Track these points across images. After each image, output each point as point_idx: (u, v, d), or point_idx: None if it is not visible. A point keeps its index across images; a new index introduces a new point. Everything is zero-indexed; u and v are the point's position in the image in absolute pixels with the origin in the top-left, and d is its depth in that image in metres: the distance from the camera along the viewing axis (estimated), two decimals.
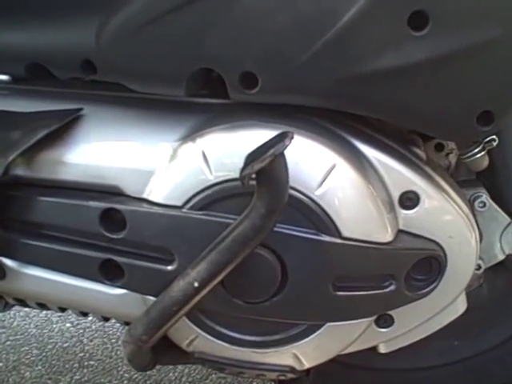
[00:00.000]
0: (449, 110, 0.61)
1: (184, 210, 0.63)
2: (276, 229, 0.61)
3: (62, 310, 0.79)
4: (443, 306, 0.71)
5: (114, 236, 0.64)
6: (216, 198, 0.62)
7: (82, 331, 1.32)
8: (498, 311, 0.92)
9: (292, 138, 0.53)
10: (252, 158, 0.54)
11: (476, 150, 0.70)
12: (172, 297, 0.61)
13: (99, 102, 0.69)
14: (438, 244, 0.66)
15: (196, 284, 0.59)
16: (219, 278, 0.60)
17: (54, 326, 1.35)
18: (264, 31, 0.58)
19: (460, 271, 0.68)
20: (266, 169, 0.52)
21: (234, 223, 0.59)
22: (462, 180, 0.82)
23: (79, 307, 0.75)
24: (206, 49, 0.59)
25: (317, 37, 0.57)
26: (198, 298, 0.61)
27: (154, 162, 0.65)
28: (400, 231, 0.66)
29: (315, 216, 0.62)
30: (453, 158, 0.82)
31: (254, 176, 0.54)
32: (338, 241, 0.62)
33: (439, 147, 0.77)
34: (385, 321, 0.70)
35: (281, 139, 0.52)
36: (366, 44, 0.58)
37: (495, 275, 0.91)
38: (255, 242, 0.58)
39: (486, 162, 0.71)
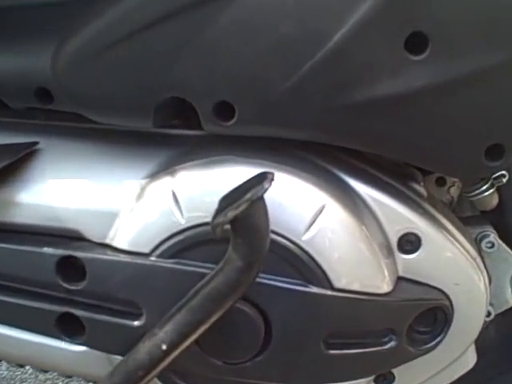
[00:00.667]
0: (452, 143, 0.54)
1: (152, 258, 0.57)
2: (258, 280, 0.55)
3: (21, 365, 0.70)
4: (450, 360, 0.64)
5: (73, 287, 0.58)
6: (188, 244, 0.56)
7: (56, 374, 1.22)
8: (508, 355, 0.83)
9: (272, 179, 0.45)
10: (226, 202, 0.47)
11: (484, 188, 0.63)
12: (137, 360, 0.54)
13: (57, 134, 0.63)
14: (443, 292, 0.60)
15: (164, 346, 0.52)
16: (191, 340, 0.52)
17: (28, 367, 1.25)
18: (241, 55, 0.52)
19: (468, 321, 0.62)
20: (242, 216, 0.44)
21: (206, 277, 0.51)
22: (466, 217, 0.74)
23: (37, 365, 0.67)
24: (175, 75, 0.53)
25: (302, 61, 0.51)
26: (166, 361, 0.53)
27: (118, 202, 0.59)
28: (400, 278, 0.60)
29: (302, 264, 0.56)
30: (455, 192, 0.74)
31: (227, 224, 0.46)
32: (329, 293, 0.56)
33: (440, 182, 0.69)
34: (384, 378, 0.64)
35: (259, 181, 0.45)
36: (358, 69, 0.51)
37: (503, 316, 0.83)
38: (231, 300, 0.50)
39: (495, 201, 0.64)
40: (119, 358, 0.59)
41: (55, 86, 0.59)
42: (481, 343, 0.70)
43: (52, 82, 0.58)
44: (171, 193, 0.56)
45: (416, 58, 0.50)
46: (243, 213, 0.45)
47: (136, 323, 0.58)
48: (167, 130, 0.61)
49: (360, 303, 0.57)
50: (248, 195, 0.45)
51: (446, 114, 0.53)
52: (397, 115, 0.53)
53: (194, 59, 0.52)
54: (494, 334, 0.84)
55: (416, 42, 0.50)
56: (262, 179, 0.46)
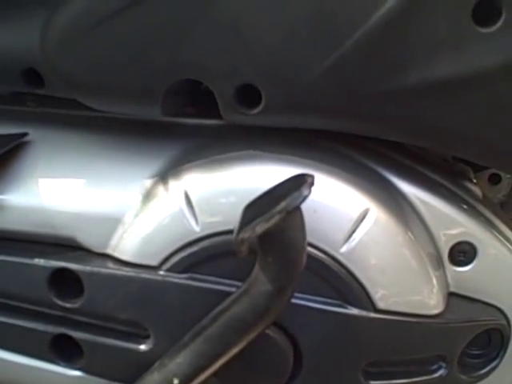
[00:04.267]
0: None
1: (161, 273, 0.50)
2: None
3: None
4: None
5: (68, 305, 0.52)
6: (204, 256, 0.49)
7: None
8: None
9: (312, 184, 0.37)
10: (252, 212, 0.38)
11: None
12: None
13: (49, 124, 0.56)
14: (500, 310, 0.54)
15: (176, 381, 0.45)
16: (207, 374, 0.44)
17: None
18: (269, 28, 0.44)
19: None
20: (274, 230, 0.35)
21: (227, 301, 0.42)
22: None
23: None
24: (189, 53, 0.46)
25: (344, 36, 0.43)
26: None
27: (120, 206, 0.52)
28: (451, 295, 0.54)
29: (340, 282, 0.49)
30: (505, 190, 0.65)
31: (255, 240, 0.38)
32: (372, 315, 0.50)
33: (495, 179, 0.60)
34: None
35: (295, 186, 0.36)
36: (413, 46, 0.43)
37: None
38: (257, 330, 0.43)
39: None
40: None
41: (45, 67, 0.51)
42: None
43: (41, 61, 0.51)
44: (183, 194, 0.49)
45: (485, 31, 0.43)
46: (275, 226, 0.36)
47: (142, 347, 0.52)
48: (179, 119, 0.55)
49: (407, 327, 0.50)
50: (282, 204, 0.36)
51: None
52: (458, 100, 0.45)
53: (211, 33, 0.45)
54: None
55: (486, 12, 0.42)
56: (299, 183, 0.37)
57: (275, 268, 0.39)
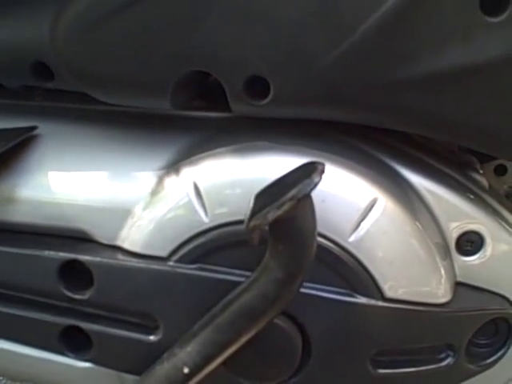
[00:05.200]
0: None
1: (170, 263, 0.50)
2: None
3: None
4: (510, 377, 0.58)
5: (78, 296, 0.52)
6: (213, 246, 0.49)
7: None
8: None
9: (323, 172, 0.37)
10: (263, 200, 0.38)
11: None
12: None
13: (58, 117, 0.56)
14: (506, 300, 0.54)
15: (186, 370, 0.44)
16: (217, 363, 0.44)
17: None
18: (279, 18, 0.44)
19: None
20: (285, 218, 0.35)
21: (237, 289, 0.42)
22: None
23: (39, 382, 0.59)
24: (198, 45, 0.45)
25: (353, 26, 0.43)
26: None
27: (130, 198, 0.52)
28: (458, 284, 0.53)
29: (348, 271, 0.49)
30: (511, 181, 0.65)
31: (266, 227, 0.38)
32: (380, 303, 0.49)
33: (500, 170, 0.60)
34: None
35: (306, 174, 0.36)
36: (421, 36, 0.43)
37: None
38: (267, 317, 0.42)
39: None
40: (131, 376, 0.53)
41: (54, 60, 0.51)
42: None
43: (51, 55, 0.50)
44: (193, 186, 0.49)
45: (493, 20, 0.42)
46: (287, 214, 0.36)
47: (151, 338, 0.52)
48: (188, 111, 0.55)
49: (415, 316, 0.50)
50: (293, 191, 0.36)
51: None
52: (465, 90, 0.45)
53: (220, 24, 0.45)
54: None
55: (493, 1, 0.42)
56: (309, 171, 0.37)
57: (286, 255, 0.39)
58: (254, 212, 0.38)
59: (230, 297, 0.44)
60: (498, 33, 0.43)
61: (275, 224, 0.38)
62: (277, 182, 0.40)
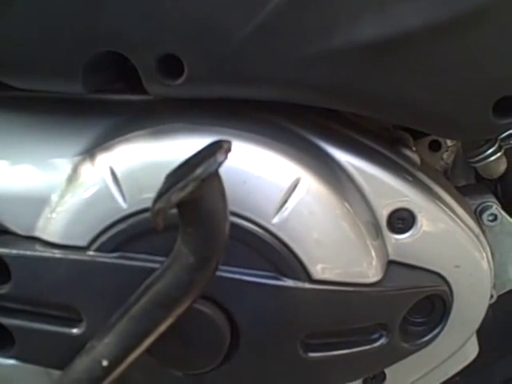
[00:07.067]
0: (454, 96, 0.45)
1: (90, 253, 0.49)
2: (219, 273, 0.46)
3: None
4: (449, 354, 0.58)
5: None
6: (133, 233, 0.48)
7: None
8: (506, 339, 0.80)
9: (228, 150, 0.35)
10: (171, 181, 0.36)
11: (490, 151, 0.53)
12: (73, 379, 0.44)
13: None
14: (441, 276, 0.54)
15: (105, 362, 0.43)
16: (137, 353, 0.43)
17: None
18: None
19: (470, 308, 0.56)
20: (191, 199, 0.34)
21: (151, 276, 0.41)
22: (463, 186, 0.65)
23: None
24: (104, 23, 0.43)
25: (262, 2, 0.42)
26: (109, 380, 0.43)
27: (46, 186, 0.50)
28: (390, 263, 0.53)
29: (274, 253, 0.48)
30: (449, 157, 0.65)
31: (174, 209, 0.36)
32: (307, 286, 0.48)
33: (435, 146, 0.60)
34: (373, 377, 0.58)
35: (211, 153, 0.34)
36: (334, 8, 0.42)
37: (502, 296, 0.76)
38: (183, 304, 0.41)
39: (503, 166, 0.55)
40: (59, 372, 0.50)
41: None
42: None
43: None
44: (109, 171, 0.48)
45: None
46: (192, 194, 0.34)
47: (75, 331, 0.50)
48: (104, 95, 0.53)
49: (344, 296, 0.50)
50: (197, 172, 0.34)
51: (445, 61, 0.43)
52: (385, 63, 0.44)
53: (129, 1, 0.43)
54: (491, 316, 0.77)
55: None
56: (214, 150, 0.35)
57: (196, 239, 0.38)
58: (160, 194, 0.37)
59: (144, 285, 0.42)
60: (413, 3, 0.42)
61: (182, 206, 0.36)
62: (185, 162, 0.39)
